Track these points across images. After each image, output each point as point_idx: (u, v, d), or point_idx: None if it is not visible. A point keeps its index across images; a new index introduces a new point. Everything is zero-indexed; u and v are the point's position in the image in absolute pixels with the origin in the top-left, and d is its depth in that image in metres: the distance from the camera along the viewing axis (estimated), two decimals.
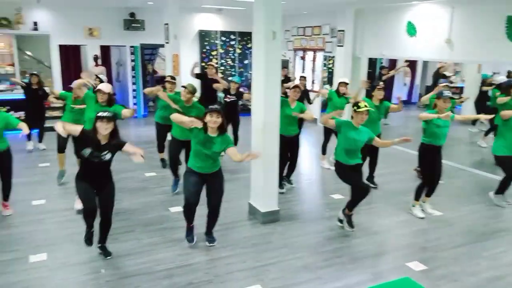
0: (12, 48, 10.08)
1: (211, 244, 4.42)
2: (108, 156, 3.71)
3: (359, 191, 4.68)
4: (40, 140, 8.13)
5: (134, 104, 11.45)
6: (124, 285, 3.71)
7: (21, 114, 8.53)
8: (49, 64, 10.62)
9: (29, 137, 7.95)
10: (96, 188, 3.86)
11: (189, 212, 4.33)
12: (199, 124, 4.01)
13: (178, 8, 8.04)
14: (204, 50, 11.90)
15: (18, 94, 8.79)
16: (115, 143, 3.75)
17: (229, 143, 4.13)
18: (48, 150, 7.89)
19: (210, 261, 4.16)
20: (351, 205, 4.79)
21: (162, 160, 7.09)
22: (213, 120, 3.98)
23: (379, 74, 10.75)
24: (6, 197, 5.08)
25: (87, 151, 3.64)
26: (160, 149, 7.09)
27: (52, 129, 4.30)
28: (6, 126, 4.78)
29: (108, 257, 4.10)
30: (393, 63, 13.17)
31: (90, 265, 3.99)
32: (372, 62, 11.11)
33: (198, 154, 4.11)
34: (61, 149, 6.14)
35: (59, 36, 10.35)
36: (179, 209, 5.31)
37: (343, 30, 9.65)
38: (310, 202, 5.99)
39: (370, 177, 6.31)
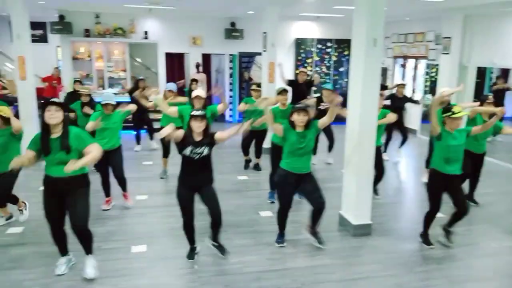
0: (125, 55, 11.10)
1: (319, 245, 4.49)
2: (206, 151, 3.85)
3: (460, 209, 4.38)
4: (151, 138, 8.77)
5: (230, 109, 11.90)
6: (215, 283, 3.84)
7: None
8: (156, 70, 11.49)
9: (138, 140, 8.66)
10: (198, 187, 3.99)
11: (284, 217, 4.47)
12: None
13: (277, 17, 8.19)
14: (299, 57, 11.97)
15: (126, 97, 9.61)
16: (208, 137, 3.92)
17: (315, 126, 4.28)
18: (150, 150, 8.53)
19: (298, 268, 4.14)
20: (450, 223, 4.53)
21: (247, 161, 7.44)
22: (300, 119, 4.15)
23: (491, 85, 9.87)
24: (124, 189, 5.57)
25: (187, 150, 3.83)
26: (245, 152, 7.38)
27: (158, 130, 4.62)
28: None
29: (225, 254, 4.21)
30: (505, 73, 12.01)
31: (185, 260, 4.19)
32: (481, 72, 10.25)
33: (294, 153, 4.21)
34: (166, 154, 6.79)
35: (165, 44, 11.17)
36: (269, 213, 5.41)
37: (449, 37, 9.04)
38: (405, 218, 5.68)
39: (470, 195, 5.82)
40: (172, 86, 6.95)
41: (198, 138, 3.87)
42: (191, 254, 4.19)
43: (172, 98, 6.64)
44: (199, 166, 3.92)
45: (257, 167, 7.36)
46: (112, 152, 5.27)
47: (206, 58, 11.84)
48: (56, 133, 3.52)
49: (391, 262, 4.29)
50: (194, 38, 11.33)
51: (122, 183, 5.51)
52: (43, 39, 13.03)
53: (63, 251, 3.95)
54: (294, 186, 4.32)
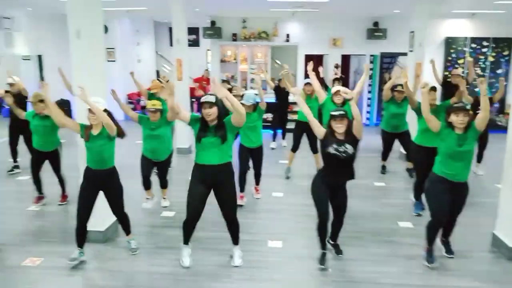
0: (267, 57, 11.57)
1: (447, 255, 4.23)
2: (350, 149, 3.76)
3: None
4: (283, 137, 9.09)
5: (367, 112, 11.54)
6: None
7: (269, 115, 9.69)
8: (294, 72, 11.72)
9: (274, 137, 8.99)
10: (338, 187, 3.98)
11: (436, 230, 4.10)
12: None
13: (427, 15, 7.65)
14: (449, 58, 11.02)
15: (270, 97, 9.97)
16: (351, 135, 3.82)
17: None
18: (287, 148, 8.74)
19: (441, 287, 3.81)
20: None
21: (383, 167, 7.17)
22: (459, 120, 3.81)
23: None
24: (257, 183, 5.90)
25: (332, 148, 3.77)
26: (384, 157, 7.03)
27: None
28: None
29: (340, 255, 4.24)
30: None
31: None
32: None
33: (451, 155, 3.88)
34: (295, 148, 6.87)
35: (306, 46, 11.33)
36: (409, 224, 5.09)
37: None
38: None
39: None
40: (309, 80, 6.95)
41: (340, 136, 3.81)
42: (322, 260, 4.09)
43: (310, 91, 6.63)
44: (343, 165, 3.85)
45: (410, 172, 6.80)
46: (255, 150, 5.55)
47: (346, 59, 11.67)
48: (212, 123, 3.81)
49: None
50: (334, 39, 11.28)
51: (259, 177, 5.83)
52: (195, 43, 14.37)
53: (186, 242, 4.16)
54: (449, 194, 3.96)
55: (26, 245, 4.54)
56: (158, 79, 10.30)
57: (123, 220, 4.32)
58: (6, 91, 6.34)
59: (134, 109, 11.82)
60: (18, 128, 6.50)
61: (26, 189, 6.05)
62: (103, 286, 3.82)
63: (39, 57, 11.59)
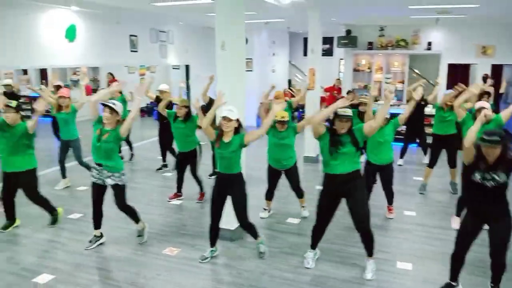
0: (405, 66, 11.00)
1: None
2: (502, 177, 3.28)
3: None
4: (425, 153, 8.34)
5: None
6: None
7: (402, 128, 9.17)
8: (434, 82, 10.89)
9: (402, 154, 8.37)
10: (483, 219, 3.52)
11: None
12: None
13: None
14: None
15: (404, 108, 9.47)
16: (507, 160, 3.26)
17: None
18: (422, 165, 8.16)
19: None
20: None
21: None
22: None
23: None
24: (390, 202, 5.57)
25: (477, 174, 3.34)
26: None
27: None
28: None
29: None
30: None
31: None
32: None
33: None
34: (432, 164, 6.40)
35: (450, 55, 10.49)
36: None
37: None
38: None
39: None
40: (450, 92, 6.36)
41: (492, 160, 3.29)
42: None
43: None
44: (491, 195, 3.36)
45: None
46: (384, 167, 5.28)
47: (497, 69, 10.47)
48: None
49: None
50: (484, 47, 10.21)
51: (390, 196, 5.52)
52: (329, 52, 14.37)
53: (314, 247, 4.31)
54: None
55: (167, 235, 5.04)
56: (290, 88, 10.59)
57: (247, 229, 4.38)
58: (157, 97, 7.18)
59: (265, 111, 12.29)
60: (167, 130, 7.29)
61: (170, 184, 6.72)
62: (229, 282, 4.03)
63: (187, 66, 12.85)
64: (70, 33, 7.92)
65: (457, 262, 3.66)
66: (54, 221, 5.23)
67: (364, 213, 3.93)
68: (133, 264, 4.35)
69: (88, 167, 6.63)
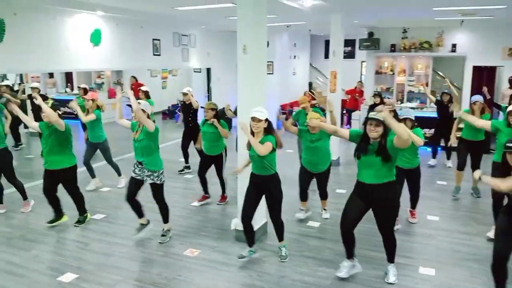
0: (428, 69, 10.82)
1: None
2: None
3: None
4: (448, 158, 8.24)
5: None
6: None
7: (427, 131, 9.03)
8: (459, 85, 10.69)
9: (434, 154, 8.30)
10: None
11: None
12: None
13: None
14: None
15: (430, 112, 9.31)
16: None
17: None
18: (446, 168, 8.02)
19: None
20: None
21: None
22: None
23: None
24: (413, 206, 5.47)
25: None
26: None
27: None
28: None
29: None
30: None
31: None
32: None
33: None
34: (461, 167, 6.27)
35: (475, 58, 10.26)
36: None
37: None
38: None
39: None
40: (478, 98, 6.21)
41: None
42: None
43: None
44: None
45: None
46: (412, 171, 5.19)
47: None
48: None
49: None
50: (510, 49, 9.95)
51: (415, 201, 5.43)
52: (351, 55, 14.27)
53: (350, 255, 4.06)
54: None
55: (188, 236, 5.08)
56: (310, 91, 10.50)
57: (279, 227, 4.44)
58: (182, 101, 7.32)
59: (286, 118, 12.28)
60: (190, 133, 7.40)
61: (192, 187, 6.78)
62: (249, 285, 4.03)
63: (208, 70, 12.96)
64: (95, 38, 8.10)
65: (498, 271, 3.39)
66: (81, 221, 5.36)
67: (389, 226, 3.86)
68: (155, 265, 4.40)
69: (117, 168, 6.79)
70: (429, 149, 8.52)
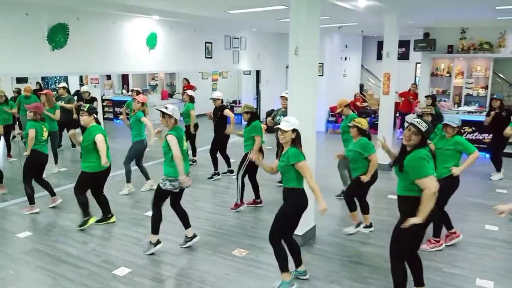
0: (488, 71, 10.26)
1: None
2: None
3: None
4: (497, 169, 7.61)
5: None
6: None
7: (484, 136, 8.58)
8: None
9: (498, 166, 7.63)
10: None
11: None
12: None
13: None
14: None
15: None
16: None
17: None
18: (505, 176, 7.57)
19: None
20: None
21: None
22: None
23: None
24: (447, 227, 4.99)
25: None
26: None
27: None
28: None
29: None
30: None
31: None
32: None
33: None
34: None
35: None
36: None
37: None
38: None
39: None
40: None
41: None
42: None
43: None
44: None
45: None
46: (446, 179, 4.67)
47: None
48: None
49: None
50: None
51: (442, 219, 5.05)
52: (405, 56, 13.82)
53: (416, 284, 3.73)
54: None
55: (236, 236, 5.14)
56: (361, 93, 10.32)
57: (273, 248, 3.86)
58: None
59: (335, 122, 12.12)
60: (218, 140, 7.44)
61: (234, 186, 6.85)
62: None
63: (257, 72, 13.04)
64: (151, 41, 8.41)
65: None
66: (83, 224, 5.37)
67: (393, 249, 3.48)
68: (204, 263, 4.49)
69: (129, 171, 6.77)
70: (487, 155, 8.05)
